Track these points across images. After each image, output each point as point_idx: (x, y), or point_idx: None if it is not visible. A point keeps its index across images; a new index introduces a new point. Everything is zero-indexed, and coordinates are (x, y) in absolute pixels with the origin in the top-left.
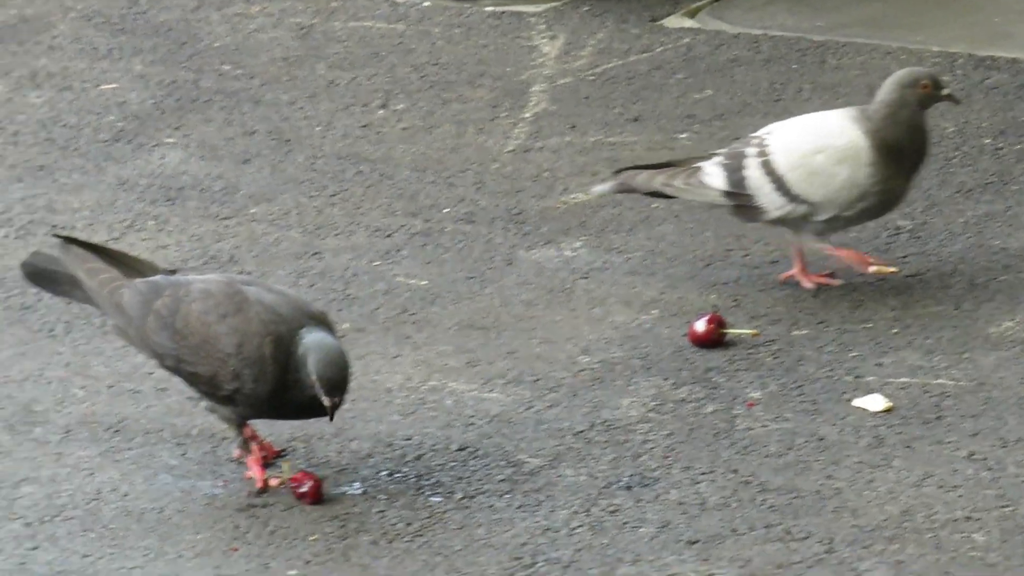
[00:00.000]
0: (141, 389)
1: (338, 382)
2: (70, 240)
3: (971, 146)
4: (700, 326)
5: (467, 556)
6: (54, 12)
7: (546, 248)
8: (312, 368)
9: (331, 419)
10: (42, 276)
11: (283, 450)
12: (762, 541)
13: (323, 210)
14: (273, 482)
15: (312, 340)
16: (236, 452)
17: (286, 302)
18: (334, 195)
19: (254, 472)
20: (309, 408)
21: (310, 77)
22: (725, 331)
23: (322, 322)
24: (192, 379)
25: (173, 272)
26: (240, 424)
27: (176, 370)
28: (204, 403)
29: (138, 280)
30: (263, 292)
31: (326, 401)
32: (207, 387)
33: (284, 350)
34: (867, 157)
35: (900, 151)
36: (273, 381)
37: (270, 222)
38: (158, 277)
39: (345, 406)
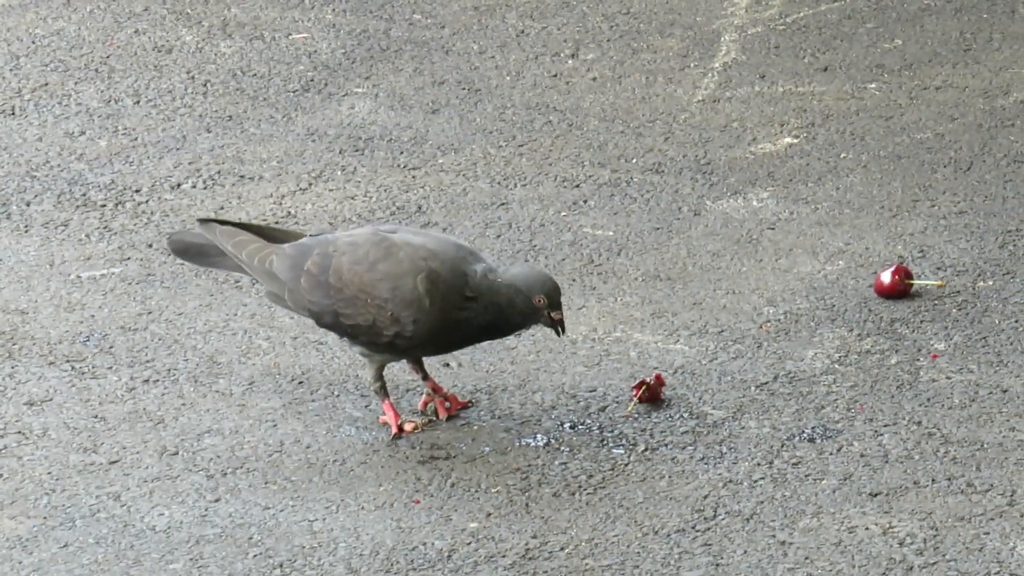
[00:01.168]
0: (325, 341)
1: (558, 295)
2: (211, 220)
3: None
4: (886, 277)
5: (648, 508)
6: None
7: (733, 198)
8: (529, 288)
9: (562, 332)
10: (189, 251)
11: (469, 401)
12: (944, 493)
13: (511, 160)
14: (408, 427)
15: (509, 268)
16: (381, 419)
17: (435, 240)
18: (522, 145)
19: (389, 418)
20: (482, 334)
21: (500, 26)
22: (911, 282)
23: (478, 257)
24: (353, 331)
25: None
26: (381, 369)
27: (335, 326)
28: (358, 349)
29: (286, 245)
30: (410, 236)
31: (554, 315)
32: (368, 336)
33: (442, 282)
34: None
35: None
36: (434, 316)
37: (458, 172)
38: (304, 239)
39: (529, 357)
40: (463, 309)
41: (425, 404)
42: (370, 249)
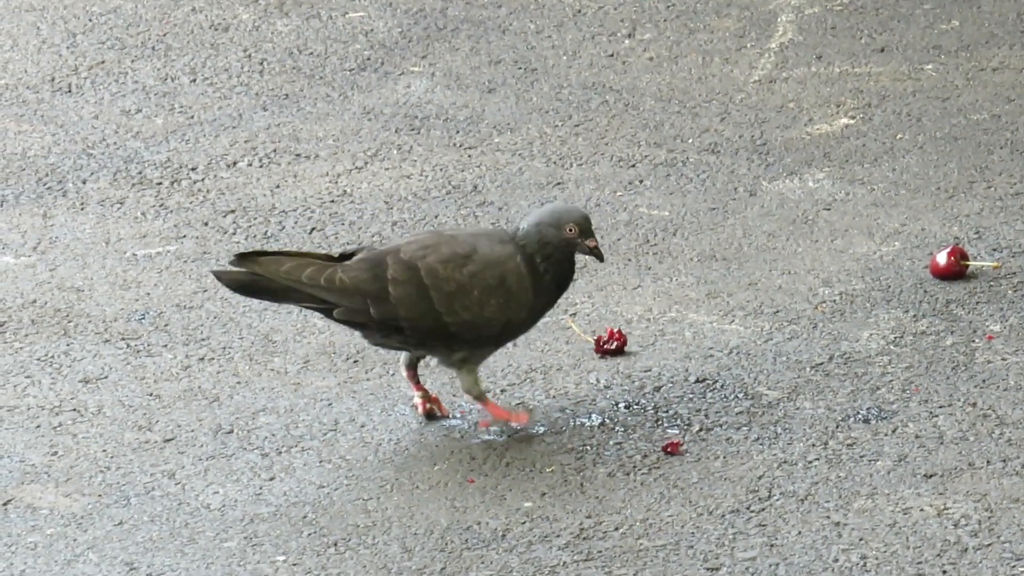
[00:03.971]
0: None
1: (587, 222)
2: (246, 255)
3: None
4: (941, 258)
5: (703, 488)
6: None
7: (789, 179)
8: (558, 221)
9: (601, 258)
10: (248, 288)
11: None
12: (999, 475)
13: (567, 140)
14: (524, 416)
15: (529, 218)
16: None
17: (484, 231)
18: (578, 125)
19: (499, 415)
20: (549, 303)
21: (557, 5)
22: (967, 263)
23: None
24: (459, 330)
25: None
26: (477, 370)
27: (433, 331)
28: (458, 356)
29: (345, 264)
30: (461, 231)
31: (589, 243)
32: (475, 332)
33: (529, 268)
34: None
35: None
36: (537, 293)
37: (514, 151)
38: (360, 253)
39: (586, 335)
40: (543, 274)
41: (428, 410)
42: (451, 245)
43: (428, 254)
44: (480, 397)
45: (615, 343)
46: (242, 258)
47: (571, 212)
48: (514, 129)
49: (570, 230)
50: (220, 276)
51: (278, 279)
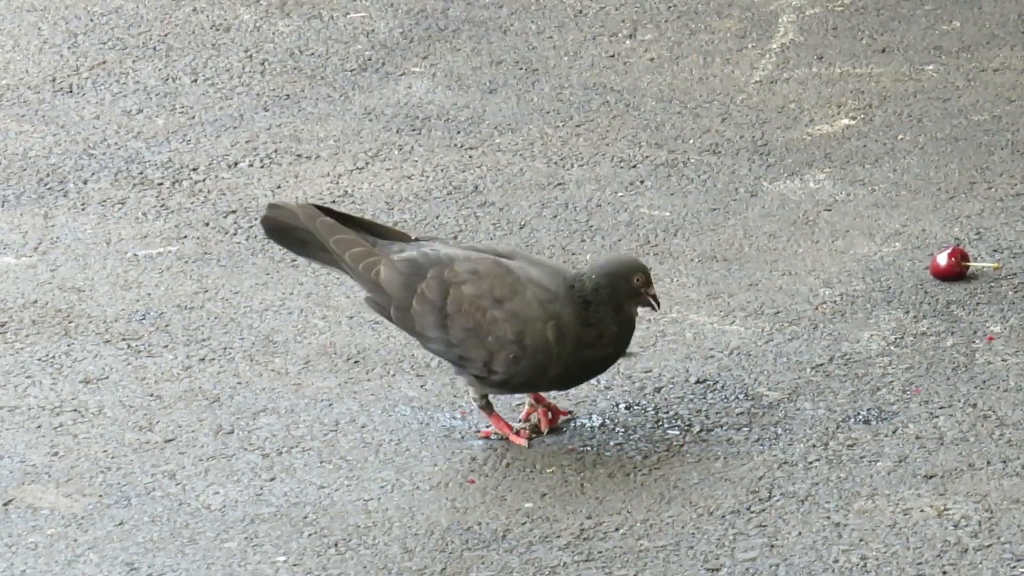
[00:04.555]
0: (381, 321)
1: (647, 269)
2: (318, 208)
3: None
4: (942, 259)
5: (703, 489)
6: None
7: (790, 180)
8: (628, 272)
9: (659, 306)
10: (283, 233)
11: (570, 412)
12: (999, 476)
13: (568, 140)
14: (522, 438)
15: (597, 268)
16: (484, 432)
17: (549, 273)
18: (579, 125)
19: (500, 428)
20: (608, 357)
21: (558, 6)
22: (967, 264)
23: (565, 271)
24: (461, 363)
25: (416, 240)
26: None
27: (443, 353)
28: (463, 376)
29: (396, 258)
30: (527, 266)
31: (650, 292)
32: (477, 371)
33: (568, 327)
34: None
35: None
36: (561, 362)
37: (515, 152)
38: (414, 253)
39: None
40: (591, 345)
41: (527, 415)
42: (495, 283)
43: (468, 280)
44: (486, 408)
45: None
46: (304, 207)
47: (634, 263)
48: (515, 130)
49: (637, 280)
50: (274, 207)
51: (325, 243)
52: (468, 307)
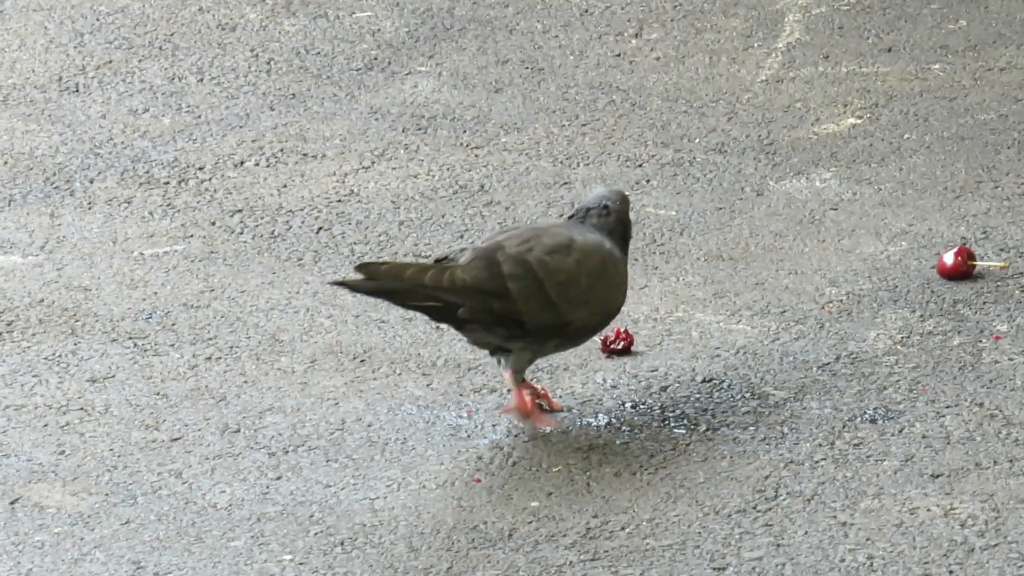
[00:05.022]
0: (387, 319)
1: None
2: (366, 264)
3: None
4: (949, 258)
5: (709, 488)
6: None
7: (796, 179)
8: (618, 194)
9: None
10: (372, 295)
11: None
12: (1006, 475)
13: (574, 140)
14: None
15: (606, 201)
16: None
17: (556, 221)
18: (585, 124)
19: (520, 404)
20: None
21: (564, 5)
22: (974, 263)
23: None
24: (577, 334)
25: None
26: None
27: (556, 323)
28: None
29: (461, 263)
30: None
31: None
32: (589, 335)
33: (621, 246)
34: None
35: None
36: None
37: (520, 151)
38: (467, 249)
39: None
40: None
41: (532, 405)
42: (547, 236)
43: (533, 247)
44: (519, 382)
45: (622, 343)
46: (361, 268)
47: (612, 189)
48: (521, 129)
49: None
50: (347, 285)
51: (401, 284)
52: (552, 264)
